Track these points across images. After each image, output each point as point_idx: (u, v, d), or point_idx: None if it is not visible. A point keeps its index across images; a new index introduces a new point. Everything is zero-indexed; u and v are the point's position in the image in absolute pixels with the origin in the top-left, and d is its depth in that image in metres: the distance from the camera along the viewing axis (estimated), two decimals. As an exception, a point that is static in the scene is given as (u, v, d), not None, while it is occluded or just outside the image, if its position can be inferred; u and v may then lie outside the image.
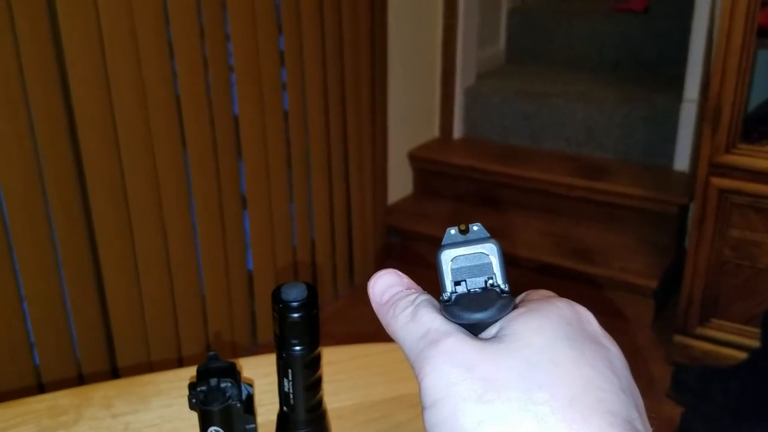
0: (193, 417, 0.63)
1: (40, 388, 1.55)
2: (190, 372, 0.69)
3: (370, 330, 0.75)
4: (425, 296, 0.39)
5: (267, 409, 0.55)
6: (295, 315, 0.49)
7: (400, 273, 0.41)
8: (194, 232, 1.83)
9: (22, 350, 1.52)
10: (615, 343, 0.37)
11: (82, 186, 1.57)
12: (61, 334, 1.58)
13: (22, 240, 1.47)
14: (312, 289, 0.50)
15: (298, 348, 0.50)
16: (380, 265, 2.51)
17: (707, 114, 1.80)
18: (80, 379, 1.63)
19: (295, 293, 0.49)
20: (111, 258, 1.64)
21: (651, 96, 2.58)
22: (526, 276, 2.35)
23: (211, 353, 0.51)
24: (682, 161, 2.48)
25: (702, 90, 2.36)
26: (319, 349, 0.52)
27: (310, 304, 0.50)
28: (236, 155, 1.91)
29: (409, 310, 0.37)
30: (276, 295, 0.50)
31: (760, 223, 1.80)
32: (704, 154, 1.82)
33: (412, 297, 0.38)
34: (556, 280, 2.30)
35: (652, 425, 0.35)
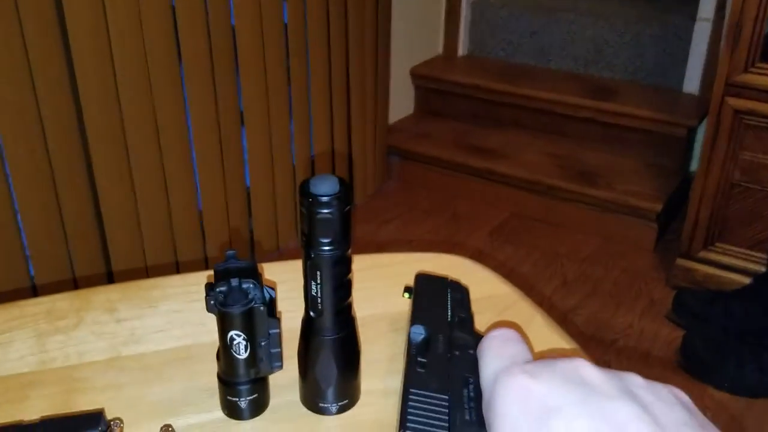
0: (206, 322, 0.59)
1: (34, 292, 1.52)
2: (198, 278, 0.64)
3: (370, 251, 0.71)
4: None
5: (286, 317, 0.51)
6: (326, 211, 0.44)
7: None
8: (191, 146, 1.76)
9: (16, 255, 1.47)
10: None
11: (76, 100, 1.49)
12: (56, 242, 1.54)
13: (14, 150, 1.41)
14: (345, 184, 0.45)
15: (328, 248, 0.45)
16: (380, 185, 2.46)
17: (727, 30, 1.72)
18: (75, 284, 1.60)
19: (326, 186, 0.44)
20: (106, 173, 1.58)
21: (663, 15, 2.48)
22: (528, 199, 2.31)
23: (229, 252, 0.46)
24: (692, 83, 2.40)
25: (717, 8, 2.27)
26: (350, 250, 0.47)
27: (343, 199, 0.44)
28: (234, 68, 1.82)
29: None
30: (304, 189, 0.45)
31: (775, 146, 1.75)
32: (721, 73, 1.75)
33: None
34: (558, 202, 2.26)
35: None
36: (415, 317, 0.51)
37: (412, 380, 0.43)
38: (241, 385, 0.49)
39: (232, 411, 0.50)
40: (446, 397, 0.42)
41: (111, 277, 1.65)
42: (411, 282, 0.59)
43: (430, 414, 0.41)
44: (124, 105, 1.57)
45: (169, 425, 0.45)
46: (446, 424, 0.40)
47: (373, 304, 0.60)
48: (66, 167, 1.51)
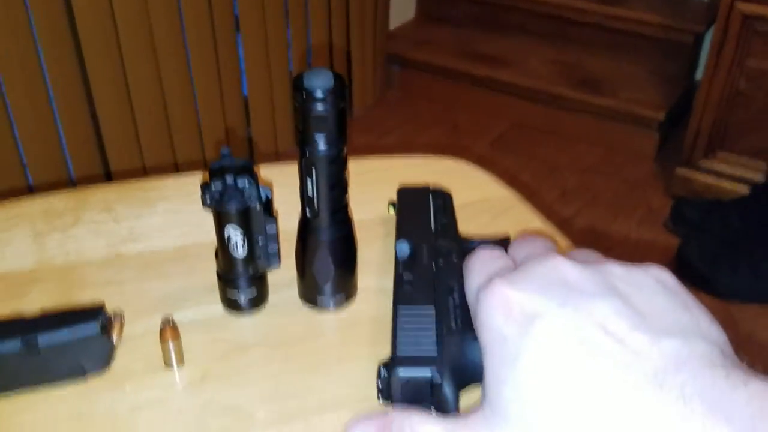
0: (204, 222, 0.59)
1: (30, 192, 1.52)
2: (196, 178, 0.64)
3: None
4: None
5: (283, 219, 0.51)
6: (320, 107, 0.43)
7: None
8: (186, 53, 1.72)
9: (10, 155, 1.47)
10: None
11: (67, 1, 1.45)
12: (51, 143, 1.53)
13: (3, 49, 1.38)
14: (340, 79, 0.44)
15: (323, 145, 0.45)
16: (380, 94, 2.42)
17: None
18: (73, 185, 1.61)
19: (320, 81, 0.43)
20: (101, 78, 1.56)
21: None
22: (531, 109, 2.28)
23: (224, 149, 0.46)
24: (702, -13, 2.33)
25: None
26: (346, 149, 0.47)
27: (338, 94, 0.44)
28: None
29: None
30: (298, 84, 0.44)
31: (783, 53, 1.71)
32: (732, -24, 1.69)
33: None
34: (561, 111, 2.23)
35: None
36: (400, 232, 0.53)
37: (399, 298, 0.46)
38: (240, 282, 0.49)
39: (231, 306, 0.51)
40: (432, 307, 0.44)
41: (109, 177, 1.65)
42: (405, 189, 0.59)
43: (419, 327, 0.43)
44: (117, 7, 1.52)
45: (170, 317, 0.46)
46: (434, 336, 0.42)
47: (370, 207, 0.60)
48: (59, 70, 1.49)
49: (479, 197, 0.63)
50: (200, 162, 1.86)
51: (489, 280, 0.38)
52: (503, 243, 0.54)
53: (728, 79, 1.79)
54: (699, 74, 2.25)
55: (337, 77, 0.44)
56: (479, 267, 0.41)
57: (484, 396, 0.36)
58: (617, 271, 0.37)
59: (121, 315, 0.46)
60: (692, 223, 1.83)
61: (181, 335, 0.47)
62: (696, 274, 1.67)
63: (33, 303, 0.51)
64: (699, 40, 2.24)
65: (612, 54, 2.35)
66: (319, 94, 0.43)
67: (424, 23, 2.63)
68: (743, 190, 1.86)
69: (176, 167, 1.79)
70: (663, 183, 2.04)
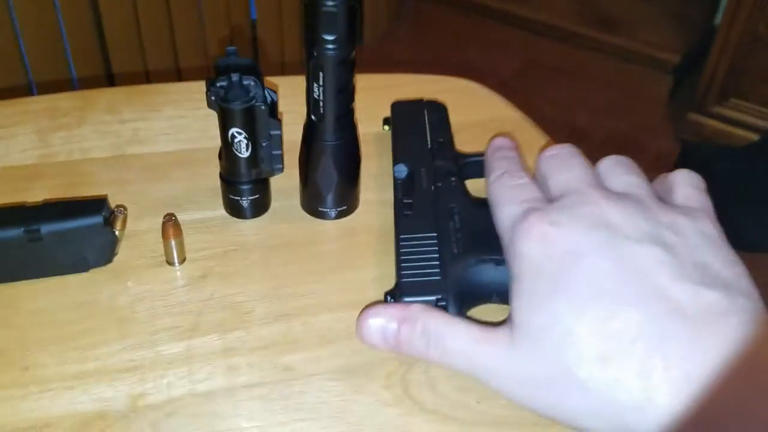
0: (210, 128, 0.59)
1: (31, 92, 1.52)
2: (201, 86, 0.63)
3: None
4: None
5: (287, 129, 0.50)
6: (330, 3, 0.42)
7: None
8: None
9: (12, 53, 1.45)
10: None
11: None
12: (53, 41, 1.50)
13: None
14: (351, -24, 0.43)
15: (331, 47, 0.44)
16: (392, 26, 2.38)
17: None
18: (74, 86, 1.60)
19: (331, -24, 0.42)
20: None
21: None
22: (545, 46, 2.24)
23: (229, 48, 0.45)
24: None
25: None
26: (354, 52, 0.46)
27: (350, -10, 0.43)
28: None
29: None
30: (308, -21, 0.43)
31: (807, -3, 1.67)
32: None
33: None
34: (575, 50, 2.19)
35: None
36: (396, 154, 0.52)
37: (400, 226, 0.46)
38: (243, 185, 0.49)
39: (233, 209, 0.51)
40: (434, 234, 0.44)
41: (112, 79, 1.64)
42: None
43: (421, 255, 0.43)
44: None
45: (172, 214, 0.46)
46: (437, 262, 0.43)
47: (377, 122, 0.60)
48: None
49: (488, 117, 0.63)
50: (203, 69, 1.83)
51: (525, 213, 0.38)
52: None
53: (748, 24, 1.75)
54: (719, 19, 2.19)
55: (349, -25, 0.43)
56: (509, 196, 0.41)
57: (511, 319, 0.37)
58: (664, 218, 0.36)
59: (124, 208, 0.46)
60: (699, 168, 1.81)
61: (184, 235, 0.47)
62: (699, 220, 1.66)
63: (36, 197, 0.51)
64: (722, -18, 2.18)
65: (632, -7, 2.29)
66: (329, -10, 0.42)
67: (440, -47, 2.55)
68: (754, 138, 1.84)
69: (179, 72, 1.77)
70: (674, 128, 2.02)
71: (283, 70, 2.04)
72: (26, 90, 1.50)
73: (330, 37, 0.43)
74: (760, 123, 1.84)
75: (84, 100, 0.61)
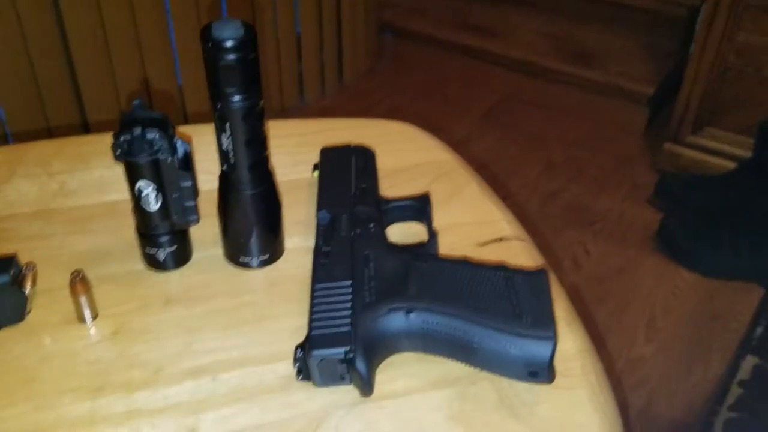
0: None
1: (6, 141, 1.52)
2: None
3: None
4: None
5: (211, 177, 0.50)
6: (230, 57, 0.42)
7: None
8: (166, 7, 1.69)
9: None
10: None
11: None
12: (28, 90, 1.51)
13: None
14: (250, 29, 0.43)
15: (235, 98, 0.44)
16: (371, 64, 2.40)
17: None
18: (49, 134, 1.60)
19: (229, 31, 0.42)
20: (78, 34, 1.54)
21: None
22: (521, 81, 2.26)
23: (136, 101, 0.45)
24: (699, -40, 2.29)
25: None
26: (262, 102, 0.46)
27: (248, 44, 0.43)
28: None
29: None
30: (205, 34, 0.43)
31: (773, 27, 1.68)
32: (725, -53, 1.66)
33: None
34: (551, 84, 2.21)
35: None
36: (321, 200, 0.52)
37: (317, 275, 0.46)
38: (159, 237, 0.49)
39: (151, 262, 0.50)
40: (349, 283, 0.44)
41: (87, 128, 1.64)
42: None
43: (334, 304, 0.43)
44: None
45: (80, 271, 0.45)
46: (349, 312, 0.43)
47: (308, 168, 0.60)
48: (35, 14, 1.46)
49: (420, 160, 0.62)
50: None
51: None
52: (421, 201, 0.53)
53: (718, 54, 1.77)
54: (693, 49, 2.22)
55: (247, 27, 0.43)
56: None
57: None
58: None
59: (33, 266, 0.45)
60: (676, 197, 1.82)
61: (100, 290, 0.47)
62: (677, 250, 1.66)
63: (-48, 254, 0.50)
64: (694, 14, 2.20)
65: (604, 26, 2.32)
66: (227, 44, 0.42)
67: (417, -8, 2.59)
68: (730, 166, 1.84)
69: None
70: (650, 158, 2.02)
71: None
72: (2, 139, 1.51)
73: (232, 89, 0.43)
74: (736, 151, 1.84)
75: (15, 154, 0.61)
